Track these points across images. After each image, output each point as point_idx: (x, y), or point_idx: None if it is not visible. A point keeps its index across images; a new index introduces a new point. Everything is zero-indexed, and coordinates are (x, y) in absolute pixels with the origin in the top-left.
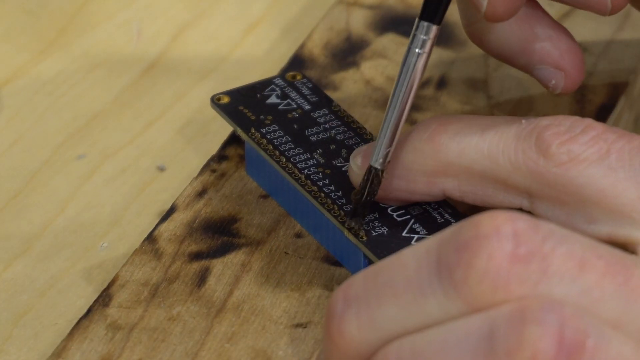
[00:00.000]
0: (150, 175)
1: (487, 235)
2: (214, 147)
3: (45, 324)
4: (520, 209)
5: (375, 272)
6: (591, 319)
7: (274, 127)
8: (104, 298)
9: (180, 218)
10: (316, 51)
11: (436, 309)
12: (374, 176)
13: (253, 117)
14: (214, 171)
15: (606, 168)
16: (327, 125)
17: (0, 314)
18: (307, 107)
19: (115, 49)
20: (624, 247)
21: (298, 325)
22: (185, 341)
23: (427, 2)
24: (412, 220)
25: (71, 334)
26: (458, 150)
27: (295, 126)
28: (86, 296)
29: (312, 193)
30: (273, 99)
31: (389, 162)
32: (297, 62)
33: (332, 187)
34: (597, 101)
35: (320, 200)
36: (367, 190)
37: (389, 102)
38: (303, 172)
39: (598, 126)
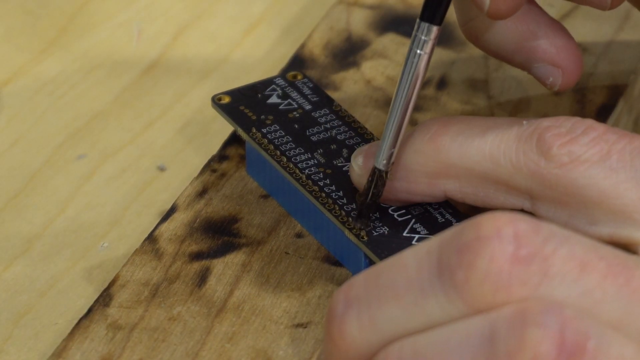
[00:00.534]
0: (150, 175)
1: (488, 236)
2: (214, 147)
3: (45, 324)
4: (522, 210)
5: (376, 273)
6: (592, 321)
7: (274, 127)
8: (105, 298)
9: (180, 218)
10: (317, 51)
11: (437, 310)
12: (378, 177)
13: (254, 117)
14: (214, 171)
15: (607, 169)
16: (327, 125)
17: (1, 314)
18: (307, 107)
19: (115, 49)
20: (626, 247)
21: (298, 326)
22: (186, 341)
23: (427, 2)
24: (413, 220)
25: (71, 334)
26: (459, 152)
27: (296, 126)
28: (86, 296)
29: (313, 193)
30: (274, 99)
31: (393, 163)
32: (298, 62)
33: (333, 187)
34: (598, 101)
35: (321, 200)
36: (371, 191)
37: (392, 103)
38: (304, 172)
39: (599, 127)
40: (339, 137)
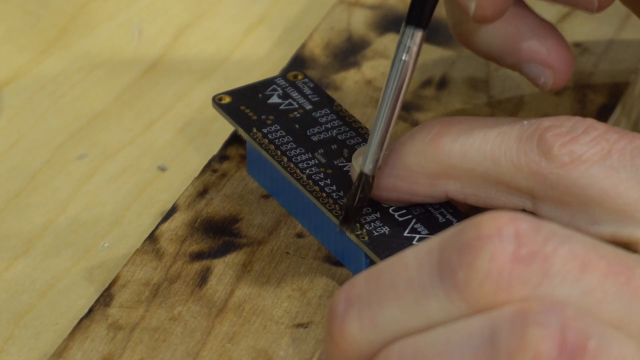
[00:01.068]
0: (151, 175)
1: (489, 236)
2: (215, 147)
3: (46, 324)
4: (523, 211)
5: (377, 273)
6: (593, 320)
7: (275, 127)
8: (105, 298)
9: (181, 218)
10: (317, 51)
11: (438, 310)
12: (364, 182)
13: (254, 117)
14: (215, 171)
15: (608, 168)
16: (328, 125)
17: (1, 314)
18: (308, 107)
19: (116, 49)
20: (627, 247)
21: (299, 326)
22: (187, 341)
23: (412, 7)
24: (414, 220)
25: (72, 333)
26: (461, 153)
27: (297, 126)
28: (87, 296)
29: (314, 193)
30: (274, 99)
31: (379, 167)
32: (298, 62)
33: (334, 187)
34: (598, 101)
35: (322, 200)
36: (358, 196)
37: (378, 107)
38: (304, 172)
39: (600, 126)
40: (339, 137)
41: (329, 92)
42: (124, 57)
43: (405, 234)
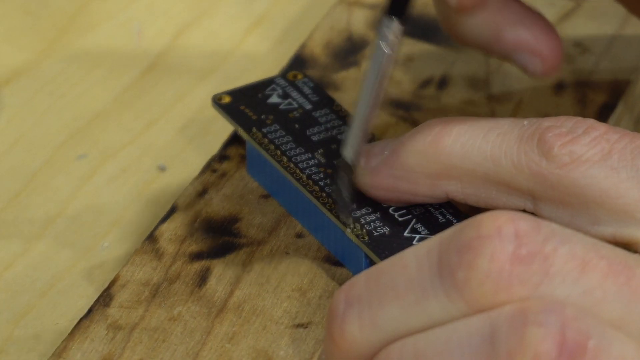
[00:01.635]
0: (151, 175)
1: (489, 235)
2: (214, 147)
3: (46, 324)
4: (524, 211)
5: (376, 273)
6: (593, 320)
7: (275, 126)
8: (105, 298)
9: (181, 218)
10: (317, 51)
11: (438, 309)
12: (346, 169)
13: (254, 117)
14: (214, 171)
15: (608, 168)
16: (328, 125)
17: (1, 314)
18: (308, 106)
19: (115, 48)
20: (628, 247)
21: (299, 326)
22: (186, 341)
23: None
24: (414, 220)
25: (72, 334)
26: (461, 153)
27: (297, 126)
28: (87, 296)
29: (314, 193)
30: (274, 99)
31: (360, 156)
32: (298, 61)
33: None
34: (599, 101)
35: (322, 200)
36: (341, 184)
37: (359, 97)
38: (304, 172)
39: (600, 127)
40: (339, 136)
41: (329, 92)
42: (124, 56)
43: (405, 234)
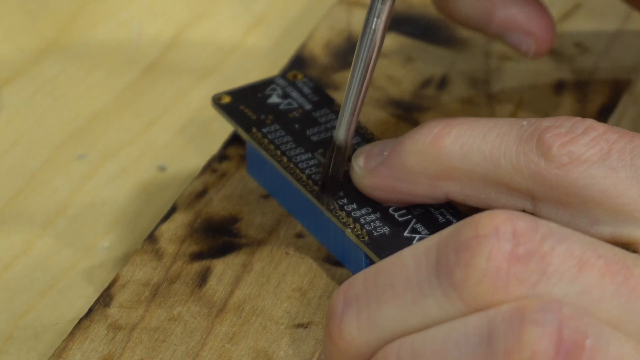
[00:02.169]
0: (150, 175)
1: (486, 235)
2: (214, 147)
3: (45, 324)
4: (523, 211)
5: (375, 272)
6: (590, 319)
7: (275, 126)
8: (105, 298)
9: (181, 218)
10: (317, 51)
11: (436, 309)
12: (336, 152)
13: (254, 117)
14: (214, 171)
15: (607, 168)
16: (328, 125)
17: (1, 314)
18: (308, 106)
19: (115, 48)
20: (627, 247)
21: (299, 326)
22: (186, 341)
23: None
24: (414, 220)
25: (72, 334)
26: (460, 154)
27: (297, 126)
28: (87, 296)
29: (314, 193)
30: (274, 99)
31: (352, 137)
32: (298, 61)
33: None
34: (599, 101)
35: (322, 200)
36: (331, 166)
37: (349, 78)
38: (304, 172)
39: (599, 127)
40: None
41: (329, 92)
42: (124, 56)
43: (405, 234)
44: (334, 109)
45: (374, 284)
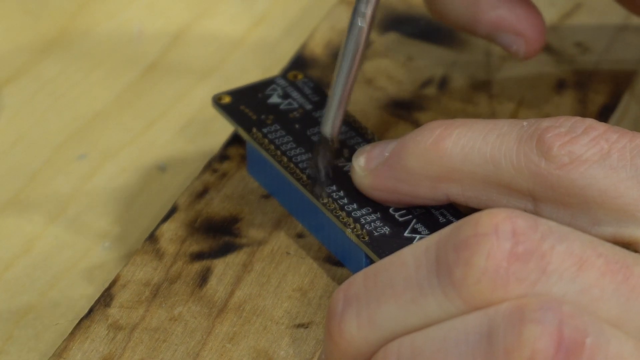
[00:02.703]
0: (151, 175)
1: (486, 233)
2: (215, 147)
3: (46, 324)
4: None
5: (375, 271)
6: (590, 318)
7: (275, 126)
8: (105, 298)
9: (181, 218)
10: (318, 51)
11: (435, 307)
12: (324, 145)
13: (254, 117)
14: (215, 171)
15: (608, 168)
16: None
17: (1, 314)
18: (308, 106)
19: (115, 48)
20: (628, 247)
21: (299, 326)
22: (187, 341)
23: None
24: (414, 221)
25: (72, 334)
26: (461, 156)
27: (297, 126)
28: (87, 296)
29: (308, 188)
30: (274, 99)
31: (339, 131)
32: (299, 61)
33: (334, 187)
34: (600, 101)
35: (322, 200)
36: (319, 158)
37: (336, 72)
38: (304, 172)
39: (599, 126)
40: (339, 137)
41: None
42: (124, 56)
43: (405, 234)
44: None
45: (374, 283)
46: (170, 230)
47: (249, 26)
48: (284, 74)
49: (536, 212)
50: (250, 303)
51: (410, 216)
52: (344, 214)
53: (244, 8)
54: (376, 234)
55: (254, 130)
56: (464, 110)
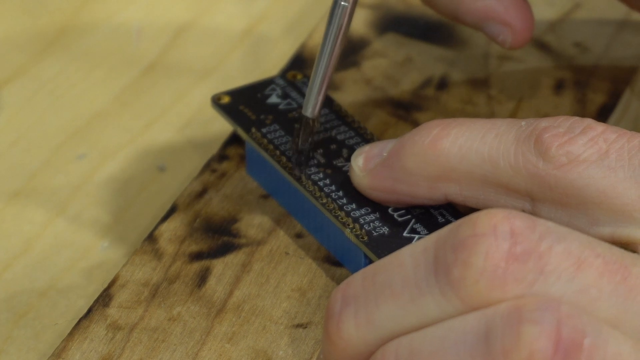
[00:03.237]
0: (150, 175)
1: (484, 233)
2: (214, 147)
3: (45, 324)
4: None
5: (373, 271)
6: (589, 318)
7: (274, 126)
8: (104, 298)
9: (180, 218)
10: (317, 50)
11: (434, 308)
12: (305, 124)
13: (253, 117)
14: (214, 171)
15: (606, 168)
16: (327, 125)
17: (0, 314)
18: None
19: (115, 48)
20: (627, 247)
21: (298, 326)
22: (186, 341)
23: None
24: (413, 221)
25: (71, 334)
26: (459, 155)
27: (296, 126)
28: (86, 296)
29: (313, 193)
30: (274, 99)
31: (319, 112)
32: (298, 61)
33: (333, 187)
34: (599, 101)
35: (321, 200)
36: (300, 138)
37: (318, 54)
38: (303, 172)
39: (598, 126)
40: (338, 137)
41: (329, 92)
42: (123, 56)
43: (404, 234)
44: (334, 109)
45: (372, 283)
46: (169, 230)
47: (248, 26)
48: (283, 74)
49: (534, 212)
50: (249, 303)
51: (409, 216)
52: (343, 214)
53: (243, 8)
54: (375, 234)
55: (253, 130)
56: (463, 110)
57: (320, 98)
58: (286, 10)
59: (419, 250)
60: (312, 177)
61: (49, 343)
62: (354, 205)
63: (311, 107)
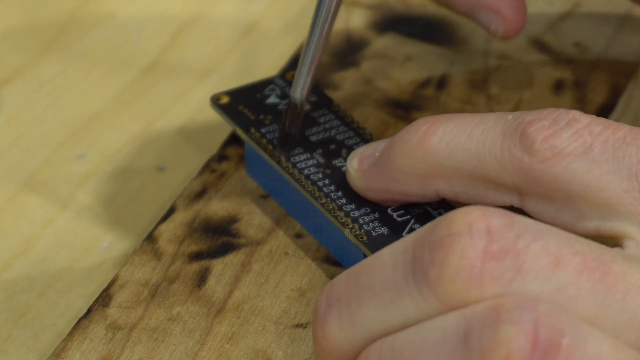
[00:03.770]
0: (150, 175)
1: (460, 232)
2: (213, 147)
3: (44, 324)
4: (512, 207)
5: (356, 273)
6: (567, 317)
7: (273, 126)
8: (104, 298)
9: (180, 218)
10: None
11: (413, 308)
12: (292, 107)
13: (253, 117)
14: (213, 171)
15: (590, 162)
16: (327, 125)
17: (0, 314)
18: (307, 106)
19: (115, 48)
20: (612, 240)
21: (298, 326)
22: (185, 341)
23: None
24: (412, 221)
25: (71, 334)
26: (447, 152)
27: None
28: (86, 296)
29: (312, 193)
30: (273, 99)
31: (307, 94)
32: (298, 61)
33: (332, 187)
34: (598, 101)
35: (320, 200)
36: (286, 121)
37: (306, 39)
38: (303, 172)
39: (583, 118)
40: (338, 137)
41: (328, 92)
42: (123, 56)
43: (404, 234)
44: (333, 109)
45: (355, 285)
46: (169, 230)
47: (247, 26)
48: (283, 74)
49: (522, 206)
50: (248, 303)
51: (409, 216)
52: (342, 214)
53: (242, 8)
54: (374, 234)
55: (253, 130)
56: (463, 110)
57: (309, 79)
58: (285, 10)
59: (398, 250)
60: (312, 177)
61: (48, 343)
62: (353, 206)
63: (299, 88)
